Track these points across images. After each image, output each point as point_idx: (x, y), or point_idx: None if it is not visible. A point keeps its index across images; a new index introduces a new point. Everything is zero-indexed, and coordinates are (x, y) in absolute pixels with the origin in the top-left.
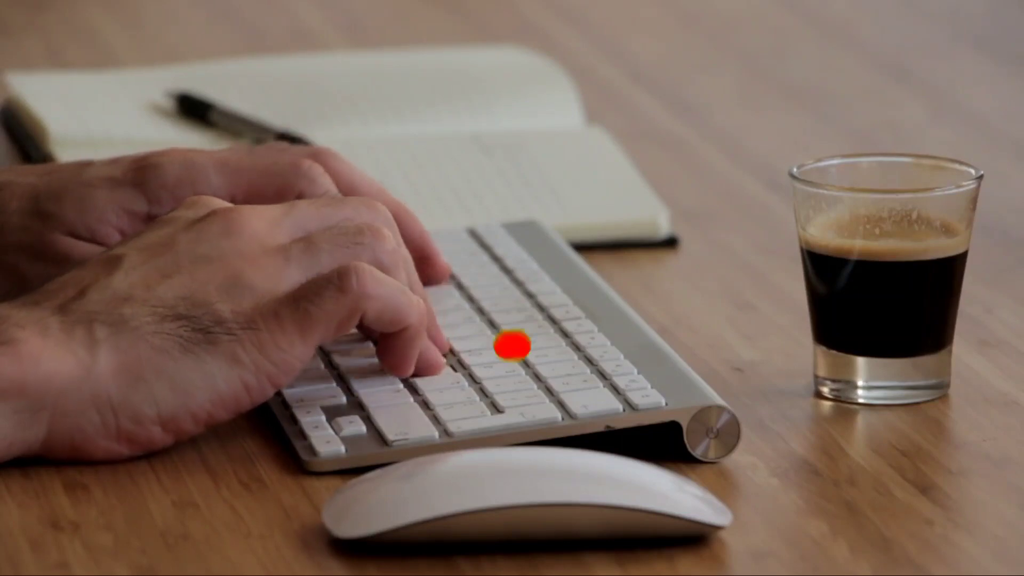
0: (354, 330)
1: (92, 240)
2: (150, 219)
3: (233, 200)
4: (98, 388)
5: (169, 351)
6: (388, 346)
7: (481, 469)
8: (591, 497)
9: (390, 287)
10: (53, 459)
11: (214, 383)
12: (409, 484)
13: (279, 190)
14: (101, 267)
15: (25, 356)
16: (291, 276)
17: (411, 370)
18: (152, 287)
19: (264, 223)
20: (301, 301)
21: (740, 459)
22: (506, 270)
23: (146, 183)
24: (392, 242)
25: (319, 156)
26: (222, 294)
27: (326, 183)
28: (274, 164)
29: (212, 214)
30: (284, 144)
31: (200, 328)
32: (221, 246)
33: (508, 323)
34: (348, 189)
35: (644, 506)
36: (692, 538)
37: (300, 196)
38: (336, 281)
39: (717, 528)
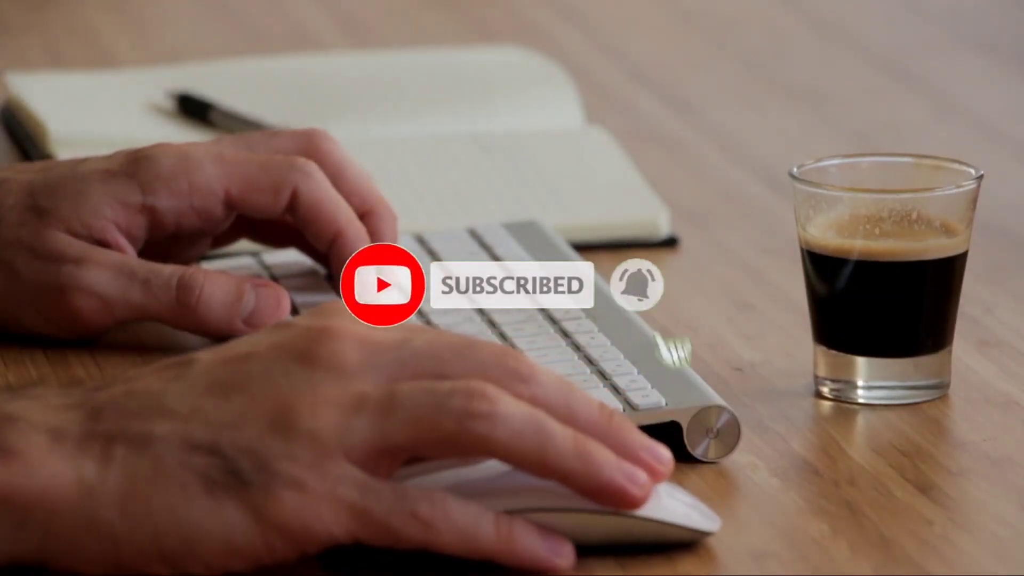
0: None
1: (88, 236)
2: (145, 211)
3: (228, 193)
4: (99, 514)
5: (187, 489)
6: None
7: (463, 477)
8: (580, 502)
9: (464, 520)
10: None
11: (230, 535)
12: None
13: (274, 185)
14: (168, 370)
15: (18, 467)
16: (355, 432)
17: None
18: (200, 406)
19: (362, 355)
20: (368, 496)
21: (740, 459)
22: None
23: (140, 173)
24: (496, 406)
25: (312, 136)
26: (273, 432)
27: (321, 179)
28: (269, 159)
29: (310, 329)
30: (278, 129)
31: (232, 471)
32: (295, 372)
33: (508, 323)
34: (335, 172)
35: (634, 512)
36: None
37: (295, 191)
38: (410, 508)
39: (706, 534)
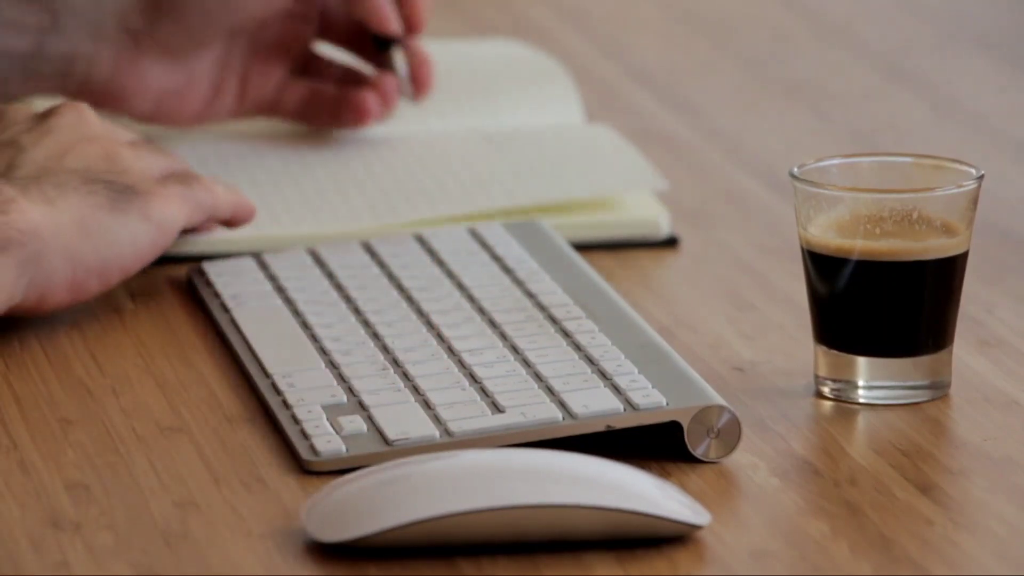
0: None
1: None
2: None
3: None
4: (64, 240)
5: (104, 208)
6: None
7: (448, 474)
8: (577, 499)
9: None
10: (13, 314)
11: (136, 238)
12: (388, 489)
13: None
14: (5, 149)
15: (19, 212)
16: (153, 164)
17: None
18: (61, 163)
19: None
20: (188, 180)
21: (740, 459)
22: (506, 270)
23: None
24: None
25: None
26: (112, 166)
27: None
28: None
29: (60, 107)
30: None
31: (118, 189)
32: (91, 129)
33: (508, 323)
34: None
35: (627, 507)
36: (683, 538)
37: None
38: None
39: (697, 527)
